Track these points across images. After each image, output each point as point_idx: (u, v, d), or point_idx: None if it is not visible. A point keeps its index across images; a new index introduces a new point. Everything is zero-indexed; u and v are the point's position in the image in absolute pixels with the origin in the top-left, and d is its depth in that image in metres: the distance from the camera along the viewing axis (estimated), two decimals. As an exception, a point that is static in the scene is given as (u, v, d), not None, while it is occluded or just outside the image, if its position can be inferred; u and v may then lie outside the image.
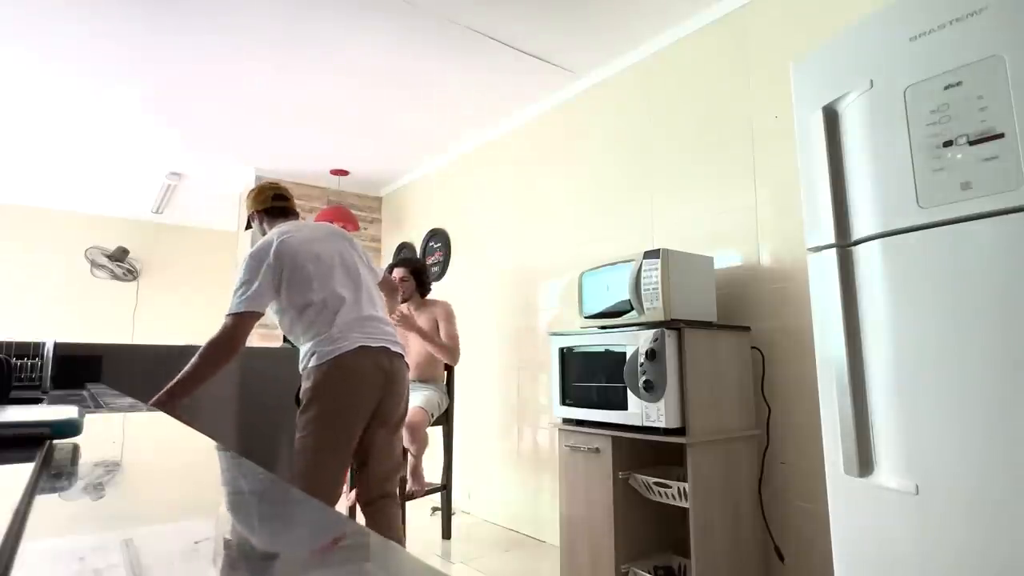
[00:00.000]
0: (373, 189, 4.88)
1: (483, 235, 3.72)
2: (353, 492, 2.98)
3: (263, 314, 1.84)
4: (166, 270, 5.78)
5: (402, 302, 3.05)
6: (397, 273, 3.03)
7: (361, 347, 1.82)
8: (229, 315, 1.77)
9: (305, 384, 1.83)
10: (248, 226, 2.22)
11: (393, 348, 1.92)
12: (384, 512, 1.94)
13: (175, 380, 1.71)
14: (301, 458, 1.79)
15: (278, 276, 1.84)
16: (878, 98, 1.27)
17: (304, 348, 1.87)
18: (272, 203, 2.11)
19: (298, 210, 2.21)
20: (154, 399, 1.67)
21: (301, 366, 1.88)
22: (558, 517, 2.17)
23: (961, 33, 1.14)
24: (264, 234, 2.05)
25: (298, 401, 1.85)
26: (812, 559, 1.92)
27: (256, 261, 1.83)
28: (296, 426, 1.83)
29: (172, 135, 3.71)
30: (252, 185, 4.35)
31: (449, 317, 3.04)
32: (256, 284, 1.80)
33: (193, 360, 1.73)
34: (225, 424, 2.38)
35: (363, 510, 1.95)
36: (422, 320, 3.01)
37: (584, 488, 2.07)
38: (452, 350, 2.95)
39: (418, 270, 3.09)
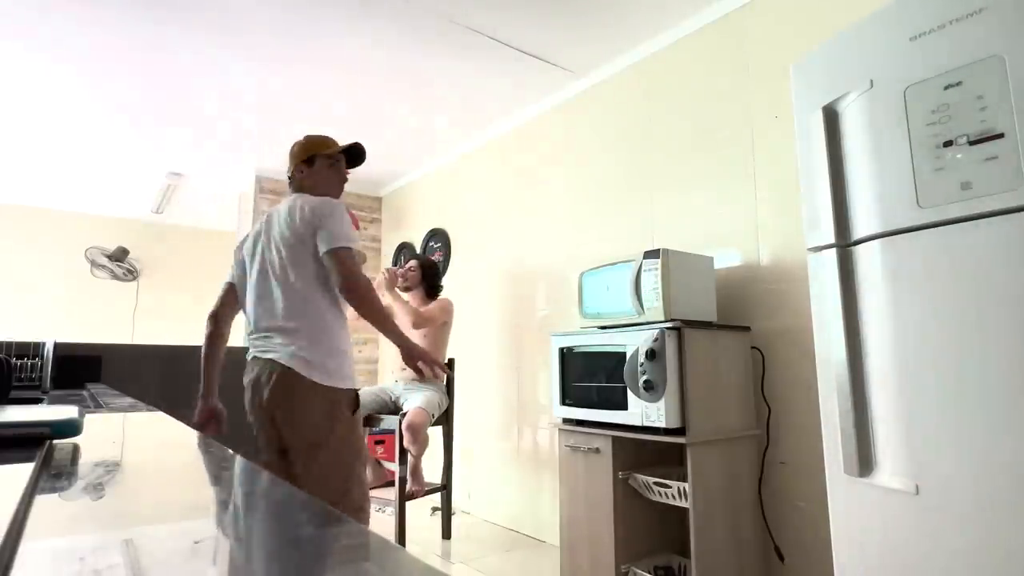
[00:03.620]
0: (373, 189, 4.87)
1: (483, 235, 3.72)
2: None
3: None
4: (166, 270, 5.78)
5: (404, 290, 3.15)
6: (408, 263, 3.23)
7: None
8: (345, 249, 1.65)
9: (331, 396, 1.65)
10: (296, 178, 1.88)
11: None
12: None
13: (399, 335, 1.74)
14: (344, 478, 1.67)
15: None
16: (878, 98, 1.27)
17: (324, 343, 1.66)
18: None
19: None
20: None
21: (326, 371, 1.65)
22: (558, 517, 2.17)
23: (961, 33, 1.14)
24: (329, 185, 1.88)
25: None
26: (812, 559, 1.92)
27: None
28: (327, 445, 1.65)
29: (172, 135, 3.71)
30: (252, 183, 4.41)
31: (441, 306, 3.10)
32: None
33: (379, 319, 1.68)
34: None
35: None
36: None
37: (584, 488, 2.07)
38: (411, 312, 2.98)
39: (425, 266, 3.23)
